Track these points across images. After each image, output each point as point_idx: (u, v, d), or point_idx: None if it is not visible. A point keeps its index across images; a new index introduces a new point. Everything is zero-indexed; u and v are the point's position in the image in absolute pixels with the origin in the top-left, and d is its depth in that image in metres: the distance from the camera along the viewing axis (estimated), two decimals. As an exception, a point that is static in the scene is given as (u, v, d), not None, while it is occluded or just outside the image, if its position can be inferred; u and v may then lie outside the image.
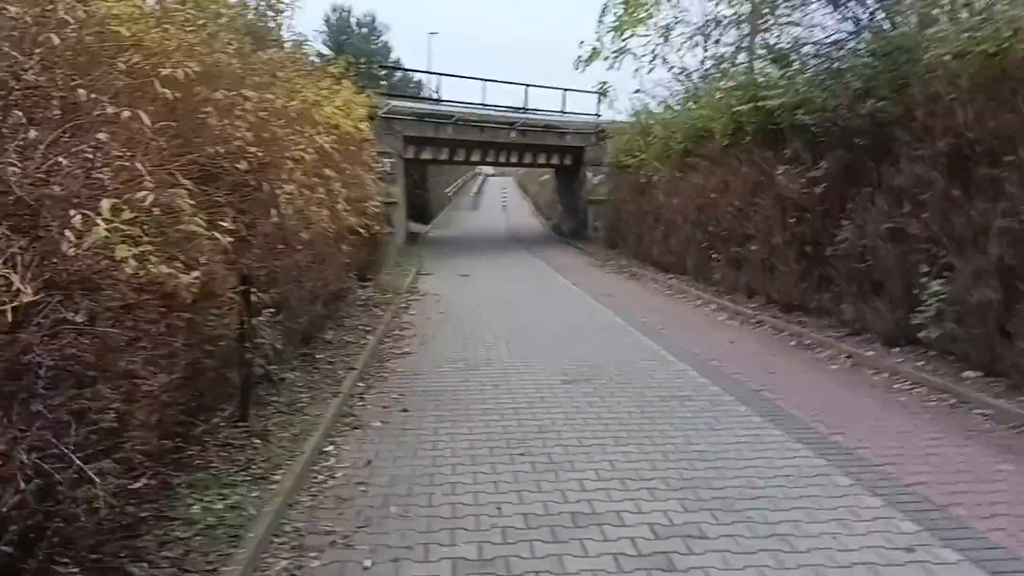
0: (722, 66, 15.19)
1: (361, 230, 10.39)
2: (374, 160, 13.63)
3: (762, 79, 11.42)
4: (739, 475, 4.61)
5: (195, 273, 3.83)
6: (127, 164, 3.48)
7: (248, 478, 4.34)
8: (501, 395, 6.52)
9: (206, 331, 4.30)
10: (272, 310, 5.88)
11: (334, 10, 43.62)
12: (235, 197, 6.12)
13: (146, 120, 3.71)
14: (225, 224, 5.29)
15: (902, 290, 7.83)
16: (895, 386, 6.71)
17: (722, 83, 14.43)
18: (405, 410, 6.06)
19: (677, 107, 17.91)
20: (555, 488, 4.40)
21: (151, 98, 4.13)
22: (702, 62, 19.00)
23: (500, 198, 47.42)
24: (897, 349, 7.67)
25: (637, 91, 18.41)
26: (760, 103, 10.99)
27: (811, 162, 9.94)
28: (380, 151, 20.40)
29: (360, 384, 6.86)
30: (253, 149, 6.36)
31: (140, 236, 3.47)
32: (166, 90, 4.14)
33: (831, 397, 6.45)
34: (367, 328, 9.30)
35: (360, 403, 6.29)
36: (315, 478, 4.59)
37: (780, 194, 10.55)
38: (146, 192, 3.51)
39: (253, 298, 5.54)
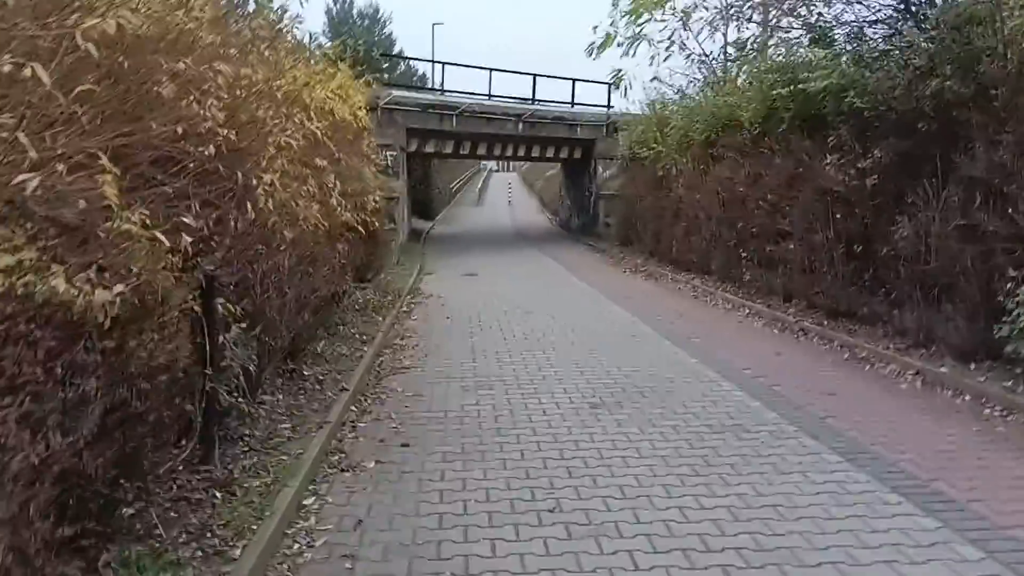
0: (749, 50, 14.06)
1: (359, 227, 9.41)
2: (374, 152, 12.61)
3: (802, 60, 10.32)
4: (833, 543, 3.57)
5: (119, 288, 2.82)
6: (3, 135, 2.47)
7: (200, 552, 3.32)
8: (519, 424, 5.49)
9: (142, 361, 3.28)
10: (245, 324, 4.86)
11: (335, 1, 42.55)
12: (202, 188, 5.14)
13: (43, 75, 2.69)
14: (187, 220, 4.35)
15: (980, 296, 6.77)
16: (985, 412, 5.67)
17: (749, 67, 13.31)
18: (405, 445, 5.03)
19: (697, 95, 16.87)
20: (601, 566, 3.37)
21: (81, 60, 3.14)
22: (723, 48, 17.97)
23: (505, 194, 46.34)
24: (974, 366, 6.63)
25: (654, 79, 17.30)
26: (800, 86, 9.92)
27: (860, 151, 8.89)
28: (381, 143, 19.35)
29: (353, 409, 5.83)
30: (225, 131, 5.37)
31: (17, 238, 2.46)
32: (90, 45, 3.10)
33: (913, 428, 5.40)
34: (364, 337, 8.27)
35: (351, 434, 5.27)
36: (288, 548, 3.57)
37: (823, 187, 9.49)
38: (32, 175, 2.50)
39: (220, 310, 4.53)
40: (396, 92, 20.65)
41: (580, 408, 5.87)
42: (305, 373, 6.59)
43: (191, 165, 5.14)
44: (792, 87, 10.22)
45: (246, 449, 4.58)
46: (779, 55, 11.44)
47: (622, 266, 16.91)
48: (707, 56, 18.20)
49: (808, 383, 6.63)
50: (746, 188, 12.10)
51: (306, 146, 7.91)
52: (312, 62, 11.35)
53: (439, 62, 22.01)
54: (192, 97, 5.18)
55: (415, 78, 32.44)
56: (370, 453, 4.89)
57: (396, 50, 43.16)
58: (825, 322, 9.00)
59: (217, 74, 5.45)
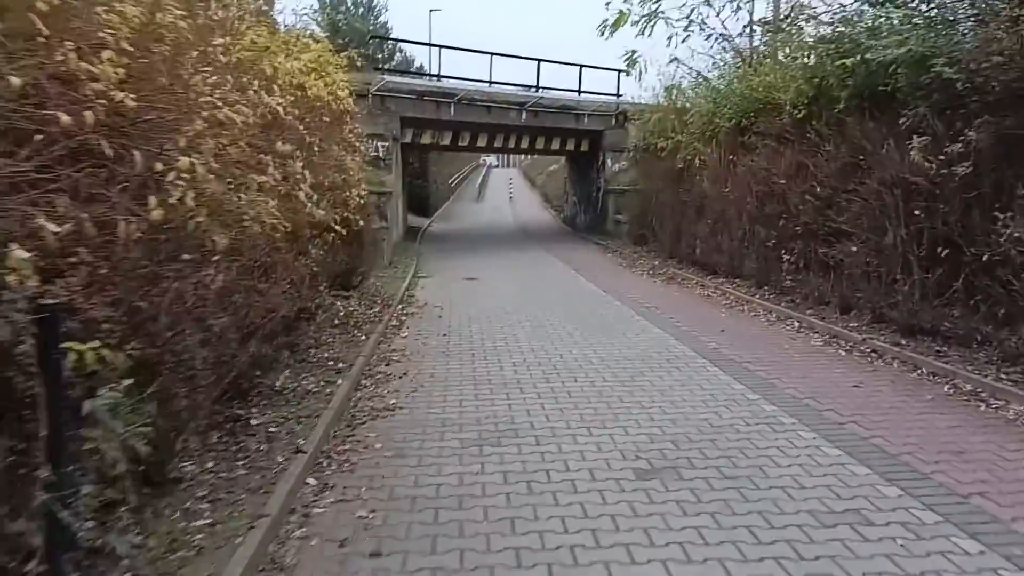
0: (791, 20, 12.35)
1: (337, 227, 7.83)
2: (360, 140, 10.98)
3: (866, 26, 8.68)
4: None
5: None
6: None
7: None
8: (541, 510, 3.88)
9: None
10: (136, 379, 3.24)
11: (329, -11, 40.84)
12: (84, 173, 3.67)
13: None
14: (39, 221, 2.89)
15: None
16: None
17: (792, 39, 11.66)
18: (376, 554, 3.41)
19: (723, 77, 15.22)
20: None
21: None
22: (748, 26, 16.33)
23: (506, 189, 44.69)
24: None
25: (672, 60, 15.66)
26: (864, 56, 8.29)
27: (946, 133, 7.29)
28: (372, 133, 17.74)
29: (310, 483, 4.21)
30: (121, 95, 3.88)
31: None
32: None
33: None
34: (340, 364, 6.66)
35: (300, 532, 3.64)
36: None
37: (895, 177, 7.88)
38: None
39: (89, 359, 2.93)
40: (388, 77, 19.00)
41: (623, 478, 4.26)
42: (253, 423, 4.98)
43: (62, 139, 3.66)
44: (851, 59, 8.59)
45: (126, 572, 2.96)
46: (832, 23, 9.74)
47: (638, 268, 15.28)
48: (730, 36, 16.54)
49: (917, 434, 5.02)
50: (788, 180, 10.49)
51: (262, 125, 6.33)
52: (283, 29, 9.76)
53: (435, 45, 20.35)
54: (72, 45, 3.69)
55: (413, 69, 30.71)
56: (322, 571, 3.27)
57: (392, 42, 41.47)
58: (902, 341, 7.38)
59: (112, 14, 3.96)
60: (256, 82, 6.02)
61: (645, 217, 17.61)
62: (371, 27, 38.50)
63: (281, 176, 6.23)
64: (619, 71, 22.53)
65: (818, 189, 9.68)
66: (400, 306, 10.50)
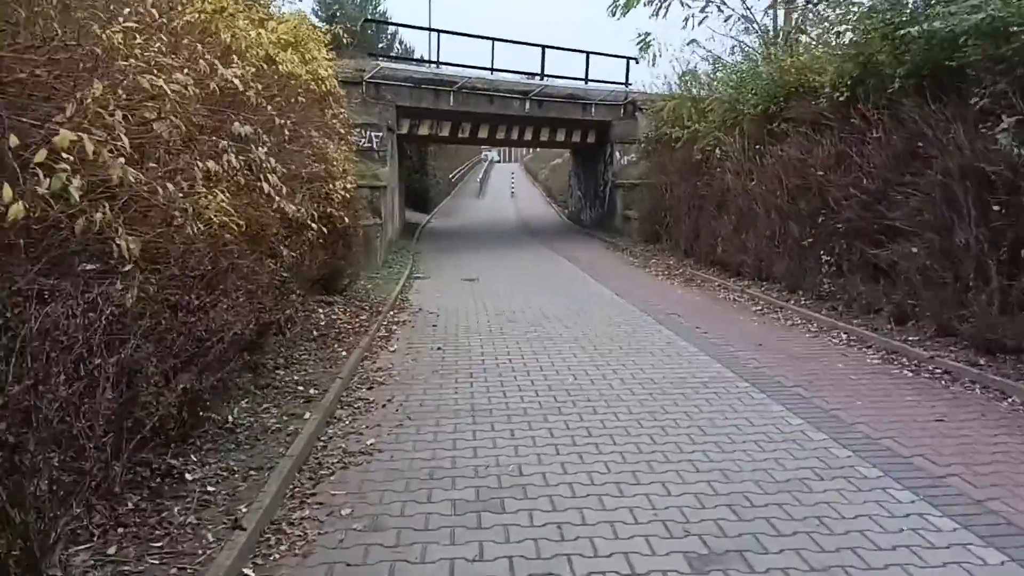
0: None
1: (315, 225, 6.74)
2: (347, 127, 9.84)
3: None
4: None
5: None
6: None
7: None
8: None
9: None
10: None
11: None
12: None
13: None
14: None
15: None
16: None
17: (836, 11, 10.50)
18: None
19: (743, 61, 14.05)
20: None
21: None
22: (772, 5, 15.14)
23: (508, 184, 43.47)
24: None
25: (691, 42, 14.54)
26: (926, 27, 7.14)
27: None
28: (365, 123, 16.58)
29: (245, 576, 3.09)
30: None
31: None
32: None
33: None
34: (311, 390, 5.52)
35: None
36: None
37: (965, 167, 6.74)
38: None
39: None
40: (384, 64, 17.84)
41: (673, 571, 3.13)
42: (188, 478, 3.85)
43: None
44: (909, 30, 7.44)
45: None
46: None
47: (651, 268, 14.13)
48: (752, 16, 15.35)
49: (1042, 492, 3.88)
50: (827, 171, 9.35)
51: (214, 101, 5.28)
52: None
53: (434, 29, 19.13)
54: None
55: (413, 63, 29.51)
56: None
57: (391, 30, 40.30)
58: (980, 361, 6.24)
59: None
60: (207, 50, 4.91)
61: (657, 213, 16.45)
62: (369, 16, 37.34)
63: (242, 164, 5.15)
64: (628, 58, 21.39)
65: (865, 181, 8.54)
66: (391, 312, 9.37)
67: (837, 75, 9.33)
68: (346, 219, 8.72)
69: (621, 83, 21.47)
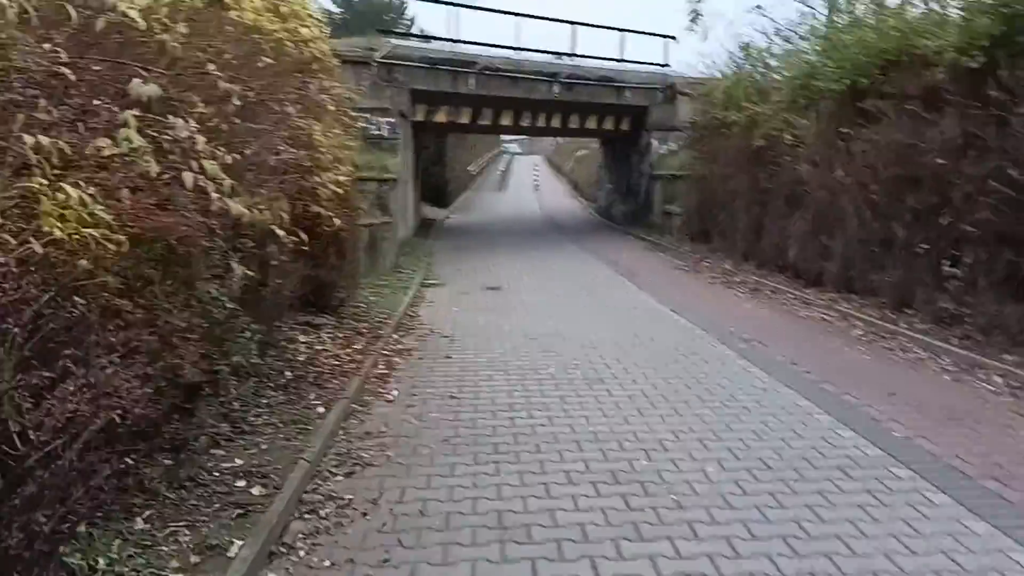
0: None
1: (280, 232, 4.88)
2: (339, 104, 7.93)
3: None
4: None
5: None
6: None
7: None
8: None
9: None
10: None
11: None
12: None
13: None
14: None
15: None
16: None
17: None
18: None
19: (826, 25, 11.90)
20: None
21: None
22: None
23: (531, 177, 41.46)
24: None
25: (756, 7, 12.55)
26: None
27: None
28: (375, 107, 14.70)
29: None
30: None
31: None
32: None
33: None
34: (253, 489, 3.63)
35: None
36: None
37: None
38: None
39: None
40: (397, 42, 15.94)
41: None
42: None
43: None
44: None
45: None
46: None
47: (704, 273, 12.12)
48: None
49: None
50: (951, 160, 7.30)
51: (88, 45, 3.36)
52: None
53: (453, 3, 17.19)
54: None
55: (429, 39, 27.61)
56: None
57: (409, 16, 38.41)
58: None
59: None
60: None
61: (707, 208, 14.41)
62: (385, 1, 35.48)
63: (149, 142, 3.32)
64: (667, 37, 19.35)
65: (1009, 171, 6.50)
66: (396, 334, 7.49)
67: (966, 36, 7.27)
68: (336, 220, 6.82)
69: (659, 64, 19.42)
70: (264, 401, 4.83)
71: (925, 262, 7.64)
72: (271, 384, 5.18)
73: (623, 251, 15.45)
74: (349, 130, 8.15)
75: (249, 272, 4.58)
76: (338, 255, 7.50)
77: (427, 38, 19.19)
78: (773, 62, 13.54)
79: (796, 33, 12.73)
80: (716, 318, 8.37)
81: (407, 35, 21.54)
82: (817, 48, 10.86)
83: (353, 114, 9.10)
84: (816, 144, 10.06)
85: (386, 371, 6.18)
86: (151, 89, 3.37)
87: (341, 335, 6.93)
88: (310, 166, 6.45)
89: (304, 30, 6.49)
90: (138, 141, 3.31)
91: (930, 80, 7.86)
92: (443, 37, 17.94)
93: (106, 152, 3.23)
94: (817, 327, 7.99)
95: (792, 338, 7.39)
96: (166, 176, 3.58)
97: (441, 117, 18.36)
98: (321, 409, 4.84)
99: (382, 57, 15.07)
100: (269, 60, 5.32)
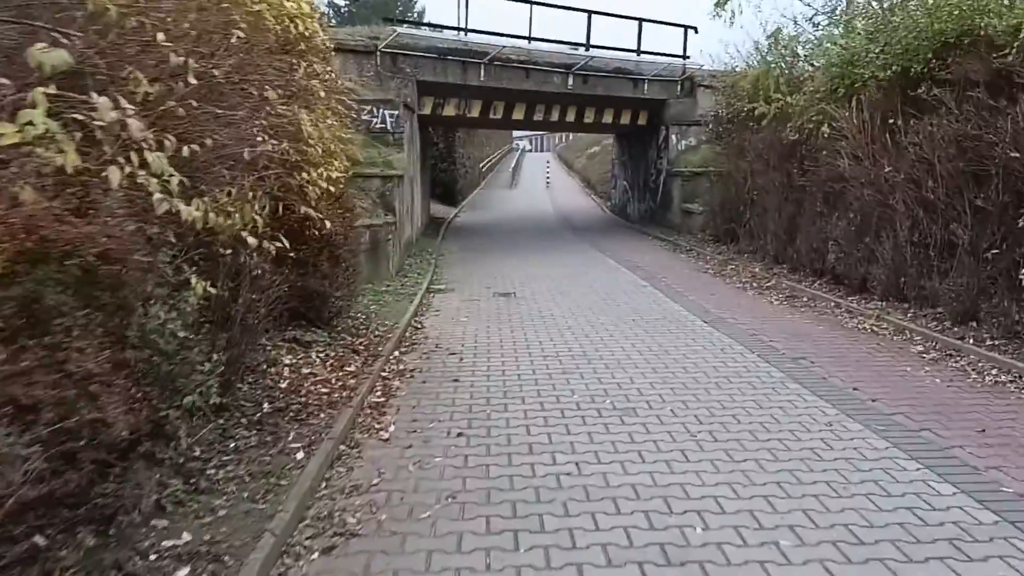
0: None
1: (252, 237, 4.05)
2: (336, 92, 7.10)
3: None
4: None
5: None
6: None
7: None
8: None
9: None
10: None
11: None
12: None
13: None
14: None
15: None
16: None
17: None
18: None
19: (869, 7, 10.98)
20: None
21: None
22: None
23: (542, 174, 40.51)
24: None
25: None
26: None
27: None
28: (379, 98, 13.86)
29: None
30: None
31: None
32: None
33: None
34: (203, 574, 2.81)
35: None
36: None
37: None
38: None
39: None
40: (402, 30, 15.09)
41: None
42: None
43: None
44: None
45: None
46: None
47: (732, 278, 11.21)
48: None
49: None
50: (1028, 151, 6.38)
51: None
52: None
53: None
54: None
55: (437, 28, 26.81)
56: None
57: (418, 6, 37.64)
58: None
59: None
60: None
61: (732, 207, 13.51)
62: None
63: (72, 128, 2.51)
64: (687, 27, 18.37)
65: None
66: (397, 351, 6.66)
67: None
68: (328, 223, 5.99)
69: (678, 55, 18.46)
70: (232, 445, 4.01)
71: (995, 269, 6.74)
72: (244, 420, 4.36)
73: (642, 252, 14.55)
74: (344, 121, 7.32)
75: (211, 289, 3.74)
76: (331, 262, 6.68)
77: (435, 27, 18.32)
78: (802, 51, 12.65)
79: (833, 17, 11.78)
80: (755, 331, 7.49)
81: (414, 23, 20.67)
82: (859, 32, 9.92)
83: (351, 104, 8.29)
84: (859, 137, 9.14)
85: (383, 399, 5.34)
86: (57, 57, 2.58)
87: (333, 354, 6.10)
88: (297, 161, 5.62)
89: (290, 3, 5.68)
90: (46, 125, 2.53)
91: (998, 63, 6.96)
92: (452, 26, 17.07)
93: (6, 140, 2.45)
94: (870, 342, 7.09)
95: (845, 356, 6.50)
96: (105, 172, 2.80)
97: (450, 110, 17.50)
98: (300, 455, 4.00)
99: (386, 46, 14.22)
100: (240, 34, 4.47)
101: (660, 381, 5.73)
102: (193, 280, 3.61)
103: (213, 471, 3.64)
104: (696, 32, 18.56)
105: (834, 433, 4.57)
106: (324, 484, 3.83)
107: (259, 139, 4.66)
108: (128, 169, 2.95)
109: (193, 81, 3.52)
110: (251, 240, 3.98)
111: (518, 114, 18.92)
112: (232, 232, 3.89)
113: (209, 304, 4.03)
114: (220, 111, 4.14)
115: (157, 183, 3.08)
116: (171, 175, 3.12)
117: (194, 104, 3.66)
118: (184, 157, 3.47)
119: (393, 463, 4.15)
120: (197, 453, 3.77)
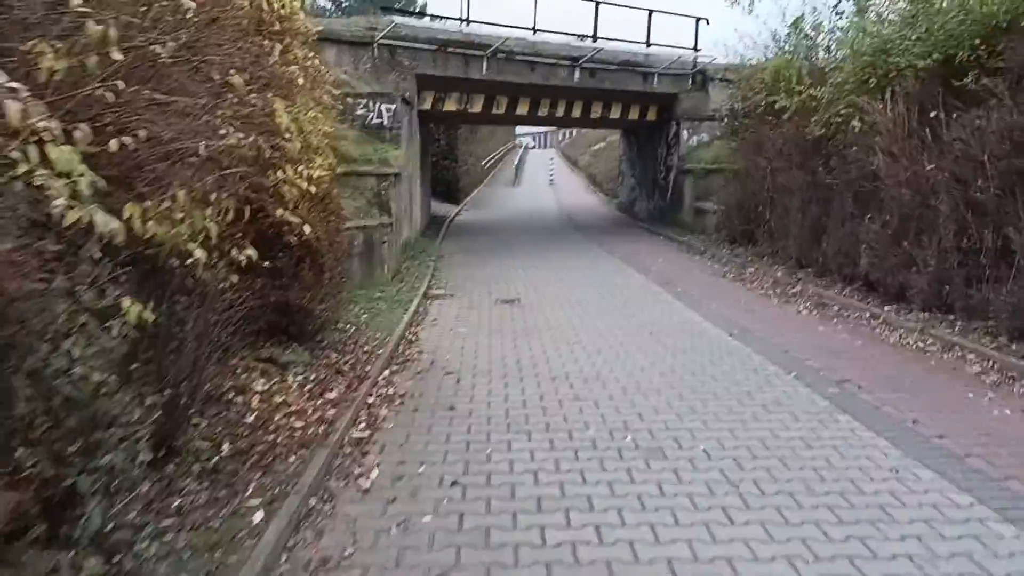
0: None
1: (201, 249, 3.28)
2: (318, 80, 6.36)
3: None
4: None
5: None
6: None
7: None
8: None
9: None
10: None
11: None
12: None
13: None
14: None
15: None
16: None
17: None
18: None
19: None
20: None
21: None
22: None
23: (546, 171, 39.75)
24: None
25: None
26: None
27: None
28: (375, 92, 13.11)
29: None
30: None
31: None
32: None
33: None
34: None
35: None
36: None
37: None
38: None
39: None
40: (401, 20, 14.34)
41: None
42: None
43: None
44: None
45: None
46: None
47: (752, 283, 10.46)
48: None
49: None
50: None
51: None
52: None
53: (462, -23, 15.54)
54: None
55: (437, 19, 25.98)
56: None
57: (420, 1, 36.83)
58: None
59: None
60: None
61: (749, 207, 12.73)
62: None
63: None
64: (698, 19, 17.62)
65: None
66: (387, 371, 5.93)
67: None
68: (308, 229, 5.26)
69: (689, 48, 17.71)
70: (175, 504, 3.27)
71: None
72: (197, 467, 3.62)
73: (653, 254, 13.78)
74: (328, 112, 6.58)
75: (149, 315, 2.99)
76: (314, 271, 5.93)
77: (436, 17, 17.59)
78: (824, 40, 11.91)
79: (860, 2, 10.99)
80: (787, 346, 6.74)
81: (413, 13, 19.93)
82: (893, 17, 9.15)
83: (338, 94, 7.53)
84: (894, 132, 8.37)
85: (367, 432, 4.60)
86: None
87: (314, 376, 5.37)
88: (271, 157, 4.87)
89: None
90: None
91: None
92: (453, 17, 16.33)
93: None
94: (918, 361, 6.33)
95: (894, 378, 5.74)
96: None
97: (451, 105, 16.76)
98: (259, 516, 3.27)
99: (384, 37, 13.48)
100: (195, 5, 3.72)
101: (688, 411, 4.99)
102: (125, 304, 2.88)
103: (142, 546, 2.90)
104: (708, 24, 17.81)
105: (903, 483, 3.82)
106: (285, 557, 3.09)
107: (222, 131, 3.91)
108: (23, 167, 2.27)
109: (118, 57, 2.80)
110: (198, 253, 3.26)
111: (522, 109, 18.17)
112: (176, 243, 3.18)
113: (151, 332, 3.30)
114: (161, 97, 3.40)
115: (64, 185, 2.38)
116: (81, 175, 2.41)
117: (121, 86, 2.92)
118: (113, 153, 2.76)
119: (372, 524, 3.41)
120: (131, 517, 3.04)
